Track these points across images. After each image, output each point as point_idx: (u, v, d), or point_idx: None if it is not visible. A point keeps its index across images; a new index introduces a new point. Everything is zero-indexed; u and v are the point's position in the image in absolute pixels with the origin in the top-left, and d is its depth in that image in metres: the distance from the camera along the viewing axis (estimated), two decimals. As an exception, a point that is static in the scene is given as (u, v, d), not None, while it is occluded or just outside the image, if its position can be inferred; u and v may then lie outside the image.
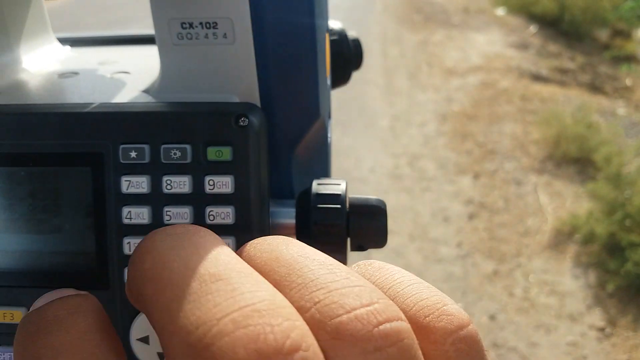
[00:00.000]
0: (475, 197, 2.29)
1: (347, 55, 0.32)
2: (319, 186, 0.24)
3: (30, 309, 0.16)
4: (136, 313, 0.22)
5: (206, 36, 0.23)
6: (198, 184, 0.21)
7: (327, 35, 0.28)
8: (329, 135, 0.28)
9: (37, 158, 0.22)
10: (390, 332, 0.13)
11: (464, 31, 4.29)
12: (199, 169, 0.21)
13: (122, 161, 0.22)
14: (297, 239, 0.21)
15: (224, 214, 0.21)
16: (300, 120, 0.24)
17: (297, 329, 0.12)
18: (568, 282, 1.85)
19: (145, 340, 0.22)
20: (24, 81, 0.29)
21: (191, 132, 0.21)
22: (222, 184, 0.21)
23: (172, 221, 0.21)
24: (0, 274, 0.23)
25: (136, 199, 0.22)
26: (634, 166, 2.30)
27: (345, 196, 0.24)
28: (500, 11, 4.79)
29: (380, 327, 0.13)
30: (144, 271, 0.14)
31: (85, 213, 0.22)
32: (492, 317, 1.71)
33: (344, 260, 0.23)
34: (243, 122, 0.21)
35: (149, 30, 0.36)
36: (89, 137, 0.22)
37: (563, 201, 2.24)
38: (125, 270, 0.22)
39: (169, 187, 0.21)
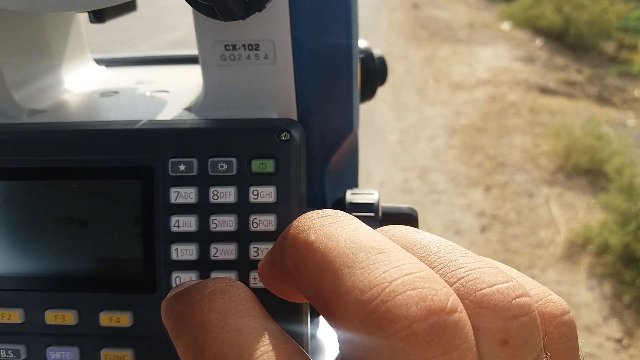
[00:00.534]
0: (487, 210, 2.29)
1: (374, 72, 0.34)
2: (353, 196, 0.25)
3: (174, 291, 0.18)
4: None
5: (248, 57, 0.24)
6: (243, 194, 0.23)
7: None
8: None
9: (89, 172, 0.24)
10: (525, 304, 0.15)
11: (470, 46, 4.32)
12: (243, 180, 0.23)
13: (171, 174, 0.23)
14: None
15: (267, 222, 0.23)
16: (335, 134, 0.26)
17: (453, 295, 0.14)
18: (583, 294, 1.84)
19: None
20: (68, 100, 0.30)
21: (237, 147, 0.23)
22: (265, 193, 0.23)
23: (217, 229, 0.23)
24: (54, 280, 0.24)
25: (184, 209, 0.23)
26: (646, 176, 2.30)
27: (379, 205, 0.25)
28: (506, 25, 4.82)
29: (517, 299, 0.15)
30: (309, 244, 0.16)
31: (135, 222, 0.23)
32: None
33: None
34: (285, 136, 0.23)
35: (177, 51, 0.37)
36: (139, 152, 0.23)
37: (575, 212, 2.24)
38: (173, 275, 0.23)
39: (215, 197, 0.23)
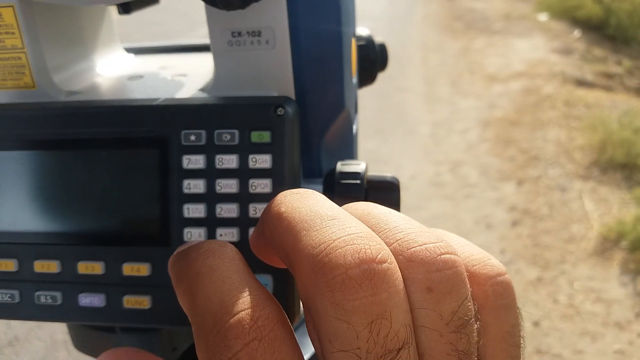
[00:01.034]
0: (518, 204, 2.27)
1: (374, 58, 0.37)
2: (342, 166, 0.28)
3: (178, 250, 0.22)
4: None
5: (252, 43, 0.28)
6: (243, 161, 0.26)
7: (353, 41, 0.32)
8: (354, 126, 0.32)
9: (116, 142, 0.28)
10: (449, 260, 0.18)
11: (505, 37, 4.26)
12: (244, 149, 0.26)
13: (183, 143, 0.27)
14: None
15: (264, 185, 0.26)
16: (328, 111, 0.29)
17: (385, 250, 0.17)
18: (615, 290, 1.81)
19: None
20: (99, 83, 0.34)
21: (239, 120, 0.26)
22: (263, 160, 0.26)
23: (222, 191, 0.26)
24: (82, 235, 0.28)
25: (194, 174, 0.27)
26: (684, 171, 2.24)
27: (364, 174, 0.28)
28: (543, 17, 4.72)
29: (442, 256, 0.18)
30: (280, 213, 0.19)
31: (153, 185, 0.27)
32: (536, 324, 1.70)
33: None
34: (280, 111, 0.26)
35: (198, 40, 0.41)
36: (157, 125, 0.27)
37: (609, 207, 2.20)
38: (185, 231, 0.27)
39: (220, 163, 0.26)
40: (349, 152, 0.33)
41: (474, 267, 0.20)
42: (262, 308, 0.17)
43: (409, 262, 0.17)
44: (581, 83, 3.34)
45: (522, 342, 0.20)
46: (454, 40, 4.32)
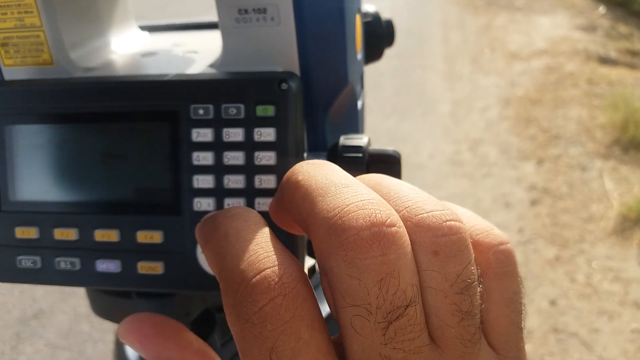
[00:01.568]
0: (538, 183, 2.26)
1: (380, 34, 0.37)
2: (345, 140, 0.29)
3: (206, 216, 0.23)
4: None
5: (257, 20, 0.29)
6: (249, 134, 0.27)
7: (358, 17, 0.33)
8: (359, 102, 0.33)
9: (128, 116, 0.29)
10: (454, 226, 0.19)
11: (528, 14, 4.17)
12: (250, 123, 0.27)
13: (192, 117, 0.28)
14: None
15: (268, 157, 0.27)
16: (332, 86, 0.30)
17: (394, 215, 0.19)
18: (633, 269, 1.80)
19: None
20: (114, 60, 0.36)
21: (245, 95, 0.28)
22: (267, 134, 0.27)
23: (229, 162, 0.28)
24: (99, 204, 0.30)
25: (203, 146, 0.28)
26: None
27: (366, 148, 0.29)
28: (568, -8, 4.61)
29: (448, 222, 0.19)
30: (297, 181, 0.21)
31: (164, 157, 0.29)
32: (553, 302, 1.70)
33: None
34: (284, 86, 0.27)
35: (209, 18, 0.42)
36: (168, 99, 0.28)
37: (630, 187, 2.17)
38: (195, 200, 0.28)
39: (227, 136, 0.28)
40: (354, 127, 0.33)
41: (478, 236, 0.21)
42: (286, 267, 0.19)
43: (417, 227, 0.19)
44: (605, 60, 3.27)
45: (523, 308, 0.21)
46: (475, 17, 4.25)
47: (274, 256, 0.19)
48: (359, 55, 0.33)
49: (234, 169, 0.28)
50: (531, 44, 3.61)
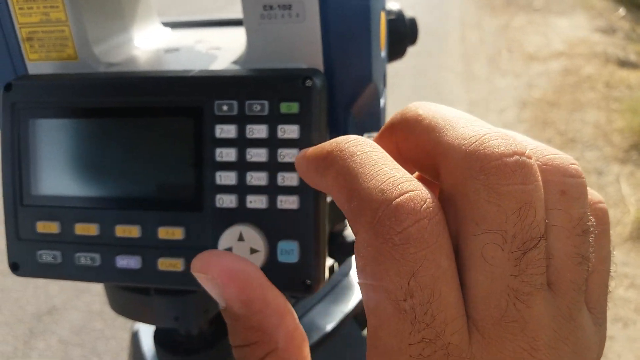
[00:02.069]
0: (553, 186, 2.23)
1: (403, 32, 0.37)
2: (368, 136, 0.29)
3: (309, 149, 0.23)
4: (223, 229, 0.28)
5: (282, 16, 0.29)
6: (272, 131, 0.27)
7: (383, 14, 0.33)
8: (382, 100, 0.33)
9: (152, 111, 0.29)
10: (578, 170, 0.19)
11: (546, 15, 4.13)
12: (273, 119, 0.27)
13: (216, 113, 0.28)
14: None
15: (292, 154, 0.27)
16: (356, 83, 0.29)
17: (528, 150, 0.18)
18: (650, 276, 1.78)
19: (229, 250, 0.28)
20: (137, 56, 0.36)
21: (269, 91, 0.27)
22: (291, 131, 0.27)
23: (252, 159, 0.27)
24: (120, 200, 0.29)
25: (226, 142, 0.28)
26: None
27: None
28: (588, -6, 4.56)
29: (574, 165, 0.19)
30: (418, 115, 0.21)
31: (187, 153, 0.29)
32: (567, 307, 1.68)
33: None
34: (308, 83, 0.27)
35: (231, 15, 0.42)
36: (192, 95, 0.28)
37: (648, 192, 2.14)
38: (217, 197, 0.28)
39: (250, 133, 0.28)
40: (376, 125, 0.33)
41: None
42: (429, 192, 0.18)
43: (545, 165, 0.19)
44: (624, 63, 3.23)
45: (612, 271, 0.21)
46: (493, 17, 4.21)
47: (414, 180, 0.19)
48: (383, 53, 0.33)
49: (257, 166, 0.28)
50: (549, 45, 3.57)
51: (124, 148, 0.30)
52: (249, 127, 0.28)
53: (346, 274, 0.58)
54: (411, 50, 0.40)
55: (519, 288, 0.17)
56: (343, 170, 0.20)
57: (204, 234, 0.29)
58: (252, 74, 0.28)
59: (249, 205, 0.28)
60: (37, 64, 0.33)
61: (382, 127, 0.23)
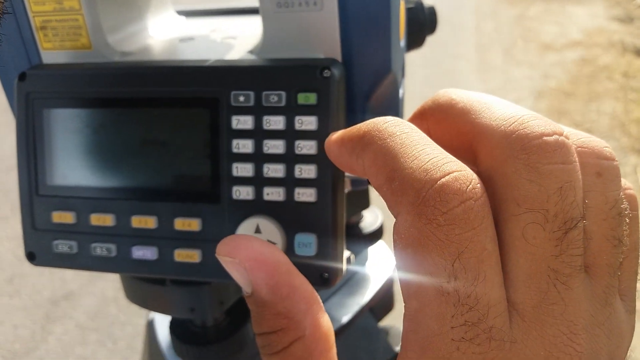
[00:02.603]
0: (568, 178, 2.21)
1: (422, 21, 0.36)
2: None
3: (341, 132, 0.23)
4: (240, 221, 0.28)
5: (300, 4, 0.28)
6: (290, 122, 0.27)
7: (402, 2, 0.32)
8: (400, 90, 0.32)
9: (168, 102, 0.29)
10: (612, 153, 0.19)
11: (563, 4, 4.06)
12: (291, 111, 0.27)
13: (233, 104, 0.27)
14: None
15: (309, 146, 0.27)
16: (374, 73, 0.29)
17: (565, 131, 0.18)
18: (667, 269, 1.75)
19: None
20: (152, 45, 0.35)
21: (286, 82, 0.27)
22: (309, 122, 0.26)
23: (269, 151, 0.27)
24: (136, 190, 0.29)
25: (242, 134, 0.27)
26: None
27: None
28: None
29: (607, 148, 0.19)
30: (451, 99, 0.21)
31: (204, 144, 0.28)
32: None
33: None
34: (326, 73, 0.26)
35: (247, 3, 0.42)
36: (208, 85, 0.28)
37: (665, 184, 2.11)
38: (233, 189, 0.28)
39: (267, 124, 0.27)
40: (395, 116, 0.32)
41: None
42: (473, 174, 0.18)
43: (581, 148, 0.19)
44: (642, 53, 3.17)
45: None
46: (509, 6, 4.16)
47: (458, 161, 0.18)
48: (402, 43, 0.32)
49: (274, 158, 0.27)
50: (565, 35, 3.52)
51: (140, 139, 0.29)
52: (265, 118, 0.27)
53: (362, 265, 0.58)
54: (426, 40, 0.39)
55: (559, 269, 0.17)
56: (383, 150, 0.19)
57: (221, 226, 0.28)
58: (268, 64, 0.28)
59: (266, 197, 0.27)
60: (51, 53, 0.32)
61: (413, 113, 0.23)
